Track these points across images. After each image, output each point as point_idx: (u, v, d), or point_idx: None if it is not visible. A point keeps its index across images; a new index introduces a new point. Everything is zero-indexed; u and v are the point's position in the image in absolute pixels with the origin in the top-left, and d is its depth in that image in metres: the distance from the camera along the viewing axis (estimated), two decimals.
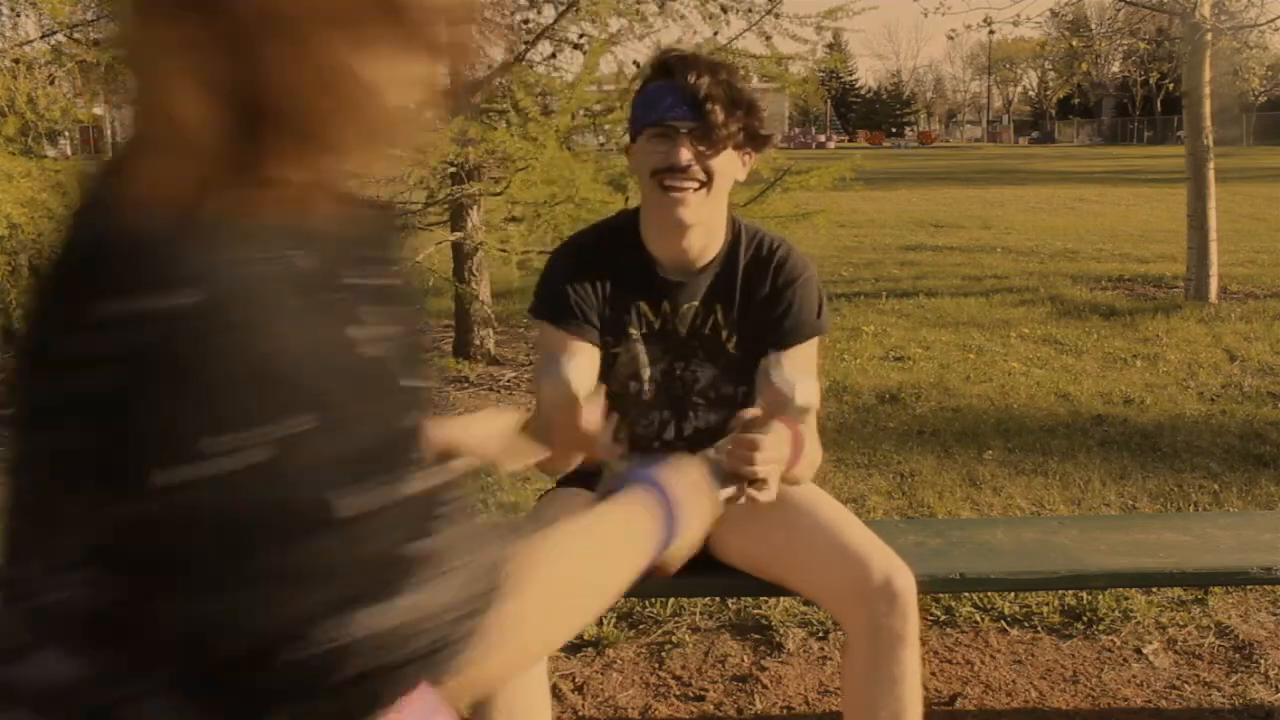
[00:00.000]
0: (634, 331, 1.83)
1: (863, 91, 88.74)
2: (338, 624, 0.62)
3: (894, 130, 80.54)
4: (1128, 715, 2.29)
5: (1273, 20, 8.11)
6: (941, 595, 2.74)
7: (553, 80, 5.74)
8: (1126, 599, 2.75)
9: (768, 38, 5.50)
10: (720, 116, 1.64)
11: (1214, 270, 7.35)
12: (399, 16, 0.68)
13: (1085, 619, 2.68)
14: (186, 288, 0.59)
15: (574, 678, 2.47)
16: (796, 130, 60.15)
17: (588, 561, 0.85)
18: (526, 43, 5.66)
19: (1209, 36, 7.37)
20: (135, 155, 0.67)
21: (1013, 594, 2.77)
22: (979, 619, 2.71)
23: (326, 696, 0.64)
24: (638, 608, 2.76)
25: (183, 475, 0.59)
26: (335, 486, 0.62)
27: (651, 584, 1.93)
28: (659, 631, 2.67)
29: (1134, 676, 2.44)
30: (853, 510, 1.84)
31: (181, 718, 0.64)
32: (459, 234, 5.56)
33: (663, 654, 2.57)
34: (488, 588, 0.69)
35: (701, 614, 2.76)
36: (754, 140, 1.73)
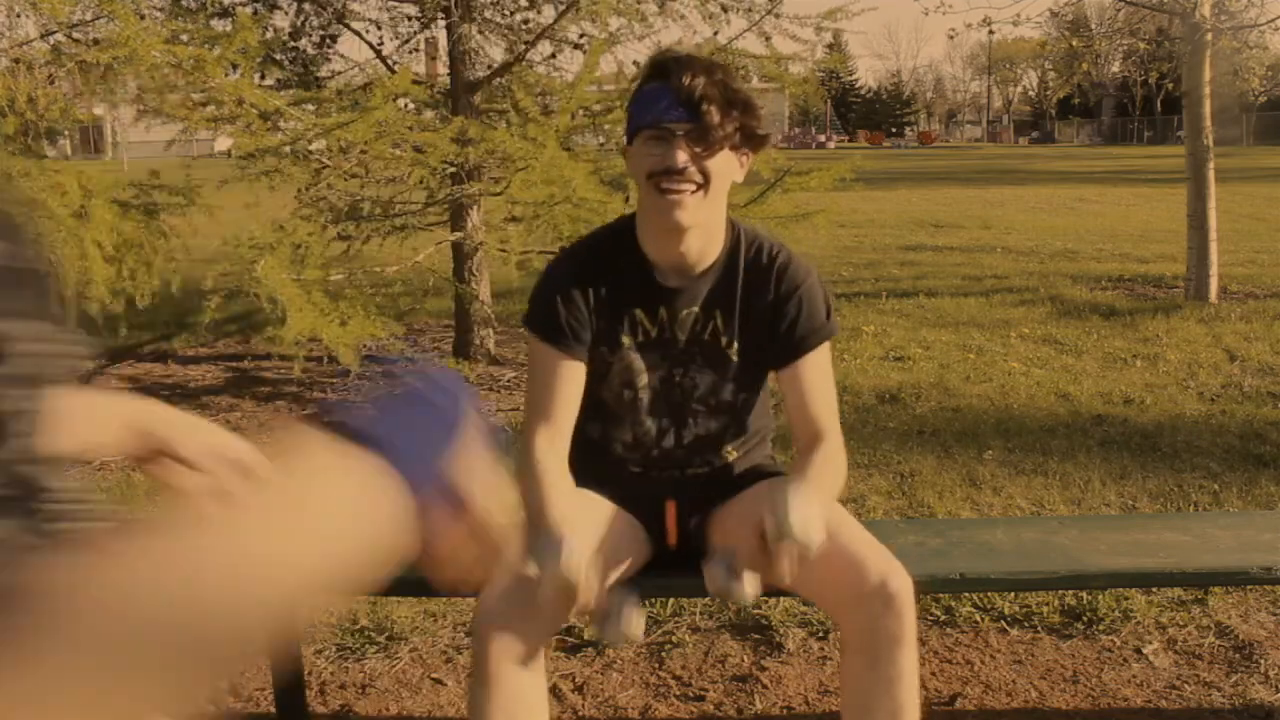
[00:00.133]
0: (627, 340, 1.82)
1: (863, 91, 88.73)
2: None
3: (894, 130, 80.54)
4: (1128, 715, 2.29)
5: (1273, 20, 8.11)
6: (941, 595, 2.74)
7: (553, 80, 5.75)
8: (1126, 599, 2.75)
9: (767, 38, 5.50)
10: (716, 117, 1.63)
11: (1214, 270, 7.35)
12: None
13: (1085, 619, 2.68)
14: None
15: (574, 678, 2.47)
16: (796, 130, 60.12)
17: (189, 590, 0.53)
18: (526, 43, 5.66)
19: (1209, 36, 7.36)
20: None
21: (1013, 594, 2.77)
22: (979, 619, 2.71)
23: None
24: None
25: None
26: None
27: (650, 584, 1.94)
28: (659, 631, 2.67)
29: (1134, 676, 2.44)
30: (853, 510, 1.84)
31: None
32: (459, 234, 5.56)
33: (663, 654, 2.57)
34: None
35: (701, 614, 2.76)
36: (751, 141, 1.72)
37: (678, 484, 1.91)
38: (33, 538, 0.56)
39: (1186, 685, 2.40)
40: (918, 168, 29.20)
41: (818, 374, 1.82)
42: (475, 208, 5.55)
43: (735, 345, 1.84)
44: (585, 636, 2.61)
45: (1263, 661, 2.48)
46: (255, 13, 5.74)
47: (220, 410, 5.03)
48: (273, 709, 2.30)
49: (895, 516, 3.41)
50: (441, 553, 0.71)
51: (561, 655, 2.54)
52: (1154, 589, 2.79)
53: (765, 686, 2.43)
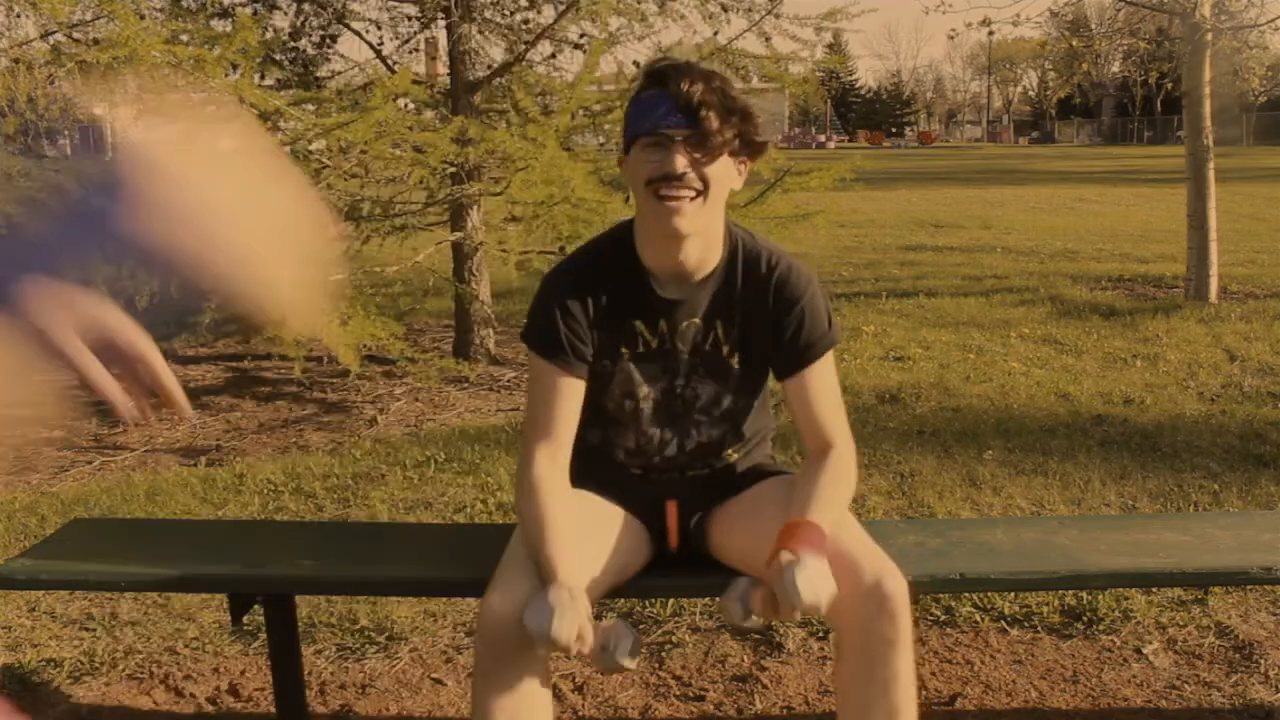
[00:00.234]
0: (627, 352, 1.82)
1: (863, 91, 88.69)
2: None
3: (894, 130, 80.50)
4: (1128, 715, 2.29)
5: (1273, 20, 8.10)
6: (941, 595, 2.74)
7: (553, 80, 5.75)
8: (1126, 599, 2.75)
9: (767, 38, 5.50)
10: (715, 123, 1.62)
11: (1214, 270, 7.35)
12: None
13: (1085, 619, 2.68)
14: None
15: (574, 678, 2.47)
16: (796, 130, 60.09)
17: None
18: (526, 43, 5.66)
19: (1209, 36, 7.36)
20: None
21: (1013, 594, 2.77)
22: (979, 619, 2.71)
23: None
24: (638, 608, 2.77)
25: None
26: None
27: (652, 584, 1.94)
28: (659, 631, 2.67)
29: (1134, 676, 2.44)
30: (853, 510, 1.84)
31: None
32: (459, 234, 5.56)
33: (663, 654, 2.57)
34: None
35: (701, 614, 2.76)
36: (749, 147, 1.70)
37: (678, 485, 1.91)
38: None
39: (1186, 685, 2.40)
40: (918, 168, 29.20)
41: (823, 382, 1.82)
42: (475, 208, 5.55)
43: (737, 355, 1.84)
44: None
45: (1263, 661, 2.48)
46: (255, 13, 5.74)
47: (220, 410, 5.03)
48: (273, 709, 2.30)
49: (895, 516, 3.41)
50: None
51: (561, 655, 2.54)
52: (1154, 589, 2.79)
53: (765, 686, 2.43)
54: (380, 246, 5.64)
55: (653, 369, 1.83)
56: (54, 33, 5.04)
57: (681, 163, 1.64)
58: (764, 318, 1.80)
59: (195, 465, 4.16)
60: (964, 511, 3.46)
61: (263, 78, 5.78)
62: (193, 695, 2.44)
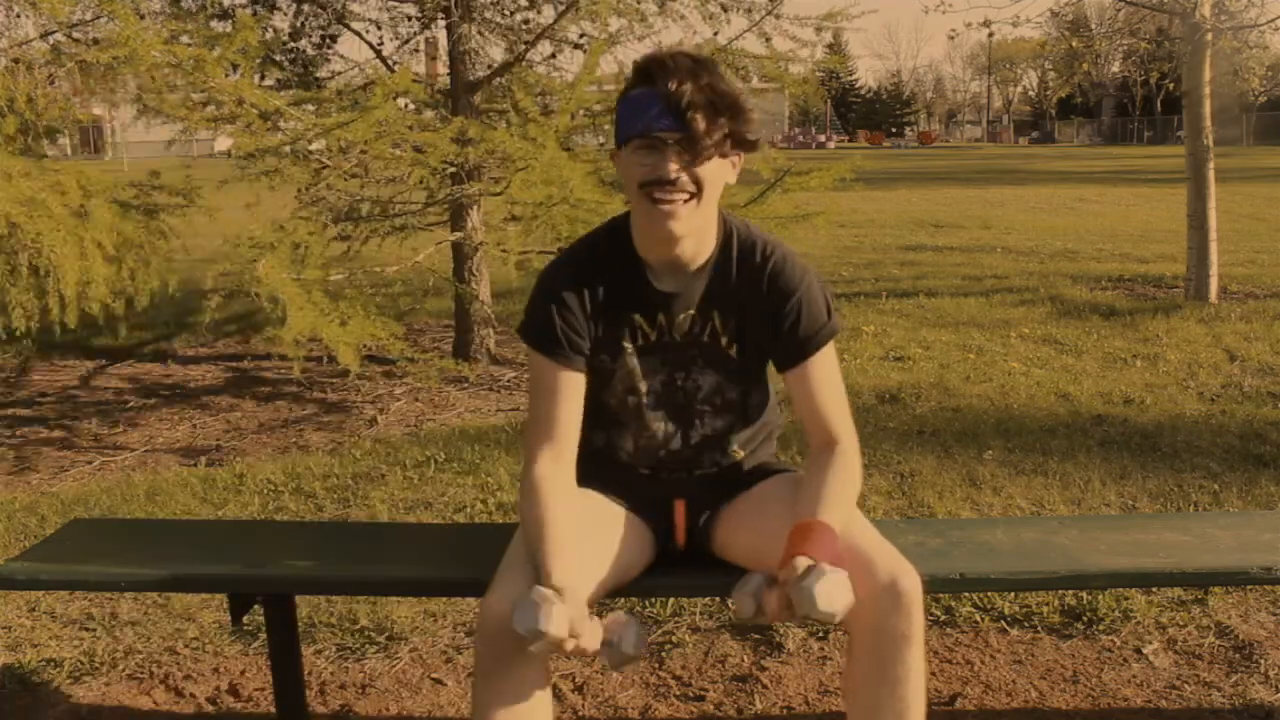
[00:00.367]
0: (628, 345, 1.82)
1: (863, 91, 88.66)
2: None
3: (894, 130, 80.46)
4: (1128, 715, 2.29)
5: (1273, 20, 8.09)
6: (941, 595, 2.74)
7: (552, 80, 5.75)
8: (1126, 599, 2.75)
9: (767, 38, 5.50)
10: (703, 126, 1.61)
11: (1214, 270, 7.35)
12: None
13: (1085, 619, 2.68)
14: None
15: (574, 678, 2.47)
16: (796, 130, 60.03)
17: None
18: (526, 43, 5.66)
19: (1209, 36, 7.36)
20: None
21: (1013, 594, 2.77)
22: (979, 619, 2.71)
23: None
24: (638, 608, 2.77)
25: None
26: None
27: (652, 584, 1.94)
28: (659, 631, 2.67)
29: (1134, 676, 2.44)
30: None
31: None
32: (459, 234, 5.56)
33: (663, 654, 2.57)
34: None
35: (701, 614, 2.76)
36: (741, 144, 1.69)
37: (686, 484, 1.91)
38: None
39: (1186, 685, 2.40)
40: (918, 168, 29.20)
41: (825, 373, 1.81)
42: (475, 208, 5.55)
43: (735, 345, 1.83)
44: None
45: (1263, 661, 2.48)
46: (255, 13, 5.74)
47: (220, 410, 5.03)
48: (273, 709, 2.30)
49: (895, 516, 3.41)
50: None
51: (563, 655, 2.54)
52: (1154, 589, 2.79)
53: (765, 686, 2.43)
54: (380, 246, 5.65)
55: (653, 362, 1.83)
56: (54, 33, 5.03)
57: (674, 167, 1.63)
58: (759, 307, 1.80)
59: (195, 465, 4.16)
60: (964, 511, 3.46)
61: (263, 78, 5.79)
62: (193, 695, 2.44)
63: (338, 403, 5.09)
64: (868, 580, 1.61)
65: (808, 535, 1.60)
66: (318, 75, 6.29)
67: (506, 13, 6.15)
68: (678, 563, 1.93)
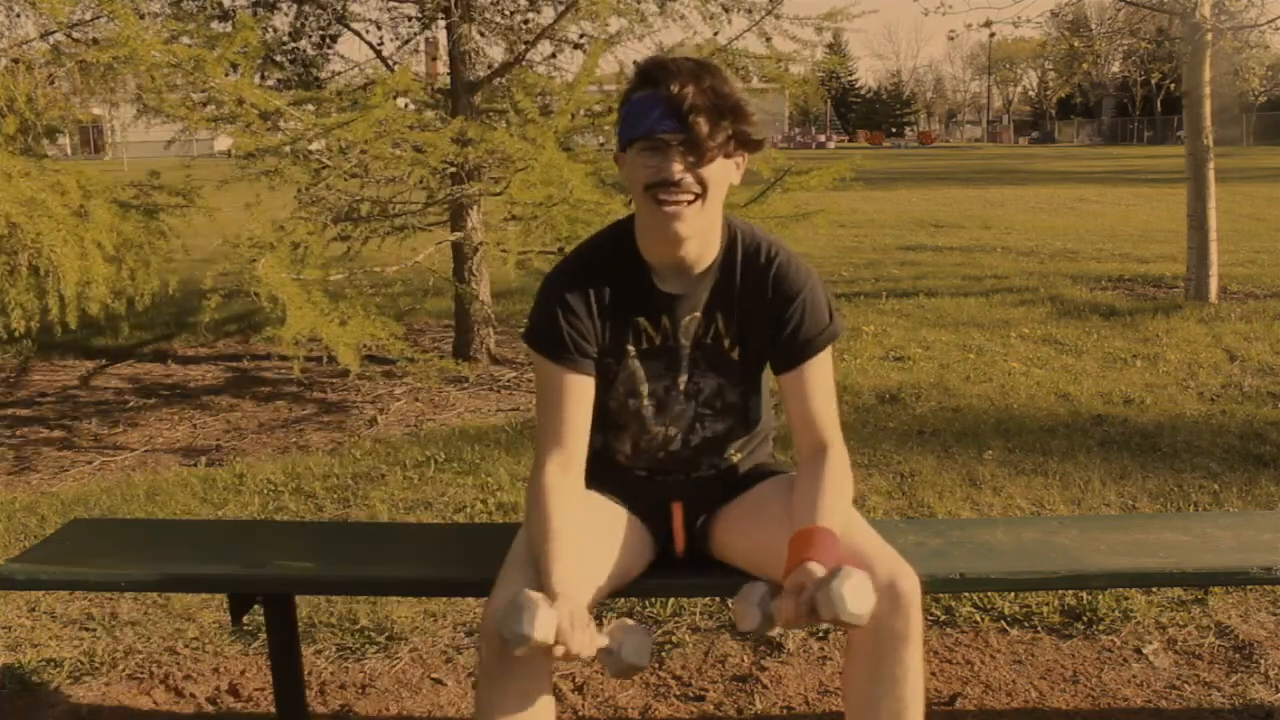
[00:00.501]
0: (631, 349, 1.82)
1: (863, 91, 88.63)
2: None
3: (894, 130, 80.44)
4: (1128, 715, 2.29)
5: (1273, 20, 8.09)
6: (941, 595, 2.74)
7: (552, 81, 5.75)
8: (1126, 599, 2.75)
9: (768, 38, 5.50)
10: (706, 128, 1.61)
11: (1214, 270, 7.35)
12: None
13: (1085, 619, 2.68)
14: None
15: (574, 678, 2.47)
16: (796, 130, 60.04)
17: None
18: (526, 43, 5.66)
19: (1209, 36, 7.36)
20: None
21: (1013, 594, 2.77)
22: (979, 619, 2.71)
23: None
24: (638, 608, 2.77)
25: None
26: None
27: (652, 584, 1.94)
28: (659, 631, 2.67)
29: (1134, 676, 2.44)
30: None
31: None
32: (459, 234, 5.56)
33: (663, 654, 2.57)
34: None
35: (701, 614, 2.76)
36: (745, 145, 1.70)
37: (684, 487, 1.91)
38: None
39: (1186, 685, 2.40)
40: (918, 168, 29.19)
41: (820, 377, 1.81)
42: (475, 208, 5.55)
43: (737, 348, 1.83)
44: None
45: (1263, 661, 2.48)
46: (255, 13, 5.74)
47: (220, 410, 5.03)
48: (273, 709, 2.30)
49: (895, 516, 3.41)
50: None
51: (563, 659, 2.54)
52: (1154, 589, 2.79)
53: (765, 686, 2.43)
54: (380, 246, 5.65)
55: (657, 366, 1.83)
56: (54, 33, 5.03)
57: (678, 169, 1.64)
58: (763, 310, 1.80)
59: (195, 465, 4.16)
60: (964, 511, 3.46)
61: (263, 78, 5.78)
62: (193, 695, 2.44)
63: (338, 403, 5.09)
64: None
65: (811, 540, 1.60)
66: (318, 75, 6.28)
67: (506, 13, 6.15)
68: (677, 564, 1.93)
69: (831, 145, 54.90)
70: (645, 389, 1.84)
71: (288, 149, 4.74)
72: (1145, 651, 2.54)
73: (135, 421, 4.87)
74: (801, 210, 5.26)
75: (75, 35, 4.98)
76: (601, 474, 1.88)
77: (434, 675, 2.51)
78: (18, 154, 4.36)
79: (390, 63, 5.94)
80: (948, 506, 3.51)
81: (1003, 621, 2.69)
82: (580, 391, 1.77)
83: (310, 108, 4.86)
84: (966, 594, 2.74)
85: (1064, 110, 70.87)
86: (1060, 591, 2.76)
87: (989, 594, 2.76)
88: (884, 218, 14.05)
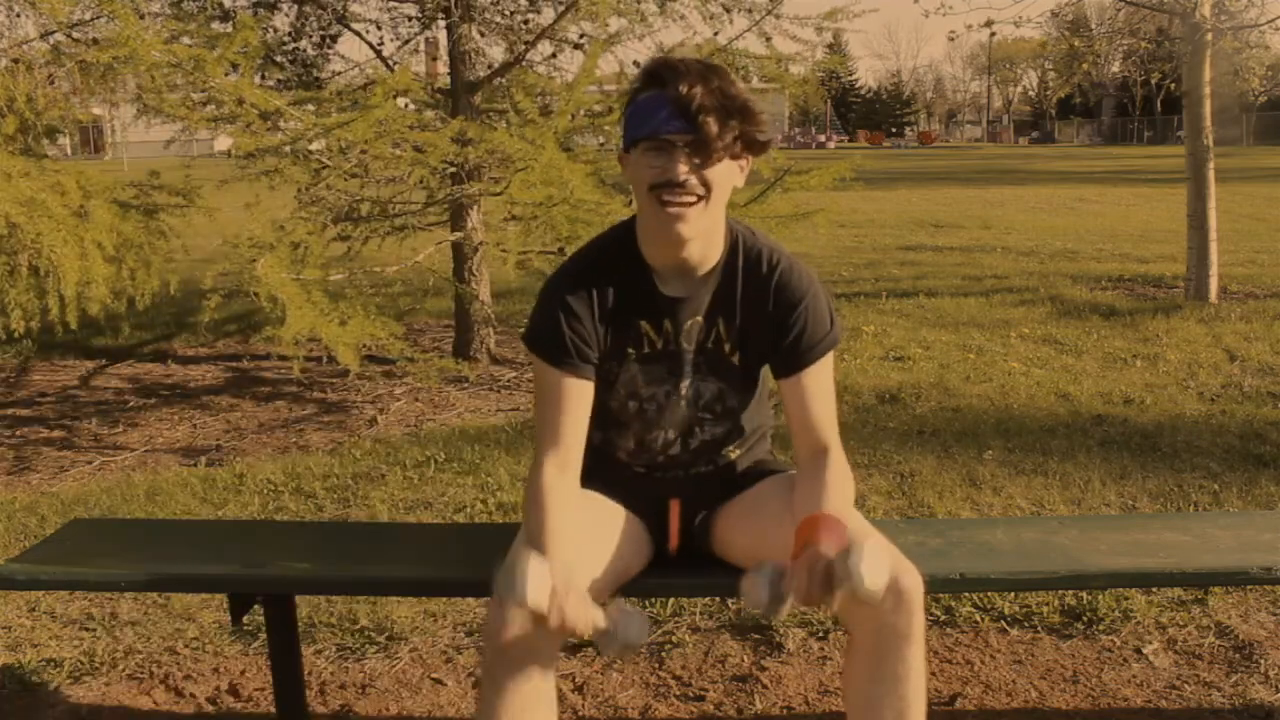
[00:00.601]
0: (632, 352, 1.81)
1: (863, 91, 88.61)
2: None
3: (894, 130, 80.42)
4: (1128, 715, 2.29)
5: (1273, 20, 8.09)
6: (941, 595, 2.74)
7: (552, 81, 5.75)
8: (1126, 599, 2.75)
9: (768, 38, 5.50)
10: (715, 128, 1.61)
11: (1214, 270, 7.35)
12: None
13: (1085, 619, 2.68)
14: None
15: (574, 678, 2.47)
16: (796, 130, 60.03)
17: None
18: (526, 43, 5.66)
19: (1209, 36, 7.36)
20: None
21: (1013, 594, 2.77)
22: (979, 619, 2.71)
23: None
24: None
25: None
26: None
27: (652, 584, 1.94)
28: (659, 631, 2.67)
29: (1134, 676, 2.44)
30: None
31: None
32: (459, 234, 5.56)
33: (663, 654, 2.57)
34: None
35: (701, 614, 2.76)
36: (752, 147, 1.69)
37: (682, 484, 1.91)
38: None
39: (1186, 685, 2.40)
40: (918, 168, 29.19)
41: (821, 382, 1.81)
42: (475, 208, 5.55)
43: (738, 353, 1.83)
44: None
45: (1263, 661, 2.48)
46: (255, 13, 5.74)
47: (220, 410, 5.03)
48: (273, 709, 2.30)
49: (895, 516, 3.41)
50: None
51: (562, 655, 2.54)
52: (1154, 589, 2.79)
53: (765, 686, 2.43)
54: (380, 246, 5.65)
55: (658, 370, 1.83)
56: (54, 33, 5.03)
57: (684, 170, 1.63)
58: (764, 317, 1.80)
59: (195, 465, 4.16)
60: (964, 511, 3.46)
61: (263, 78, 5.78)
62: (193, 695, 2.44)
63: (338, 403, 5.09)
64: None
65: (818, 525, 1.60)
66: (318, 75, 6.28)
67: (506, 13, 6.14)
68: (676, 563, 1.93)
69: (831, 145, 54.90)
70: (646, 392, 1.84)
71: (288, 149, 4.74)
72: (1145, 651, 2.54)
73: (135, 421, 4.87)
74: (801, 210, 5.26)
75: (75, 35, 4.98)
76: (600, 471, 1.88)
77: (434, 675, 2.51)
78: (18, 154, 4.36)
79: (390, 63, 5.94)
80: (948, 506, 3.51)
81: (1003, 621, 2.69)
82: (579, 395, 1.77)
83: (310, 108, 4.86)
84: (966, 594, 2.74)
85: (1064, 110, 70.86)
86: (1060, 591, 2.76)
87: (989, 594, 2.76)
88: (884, 218, 14.05)
